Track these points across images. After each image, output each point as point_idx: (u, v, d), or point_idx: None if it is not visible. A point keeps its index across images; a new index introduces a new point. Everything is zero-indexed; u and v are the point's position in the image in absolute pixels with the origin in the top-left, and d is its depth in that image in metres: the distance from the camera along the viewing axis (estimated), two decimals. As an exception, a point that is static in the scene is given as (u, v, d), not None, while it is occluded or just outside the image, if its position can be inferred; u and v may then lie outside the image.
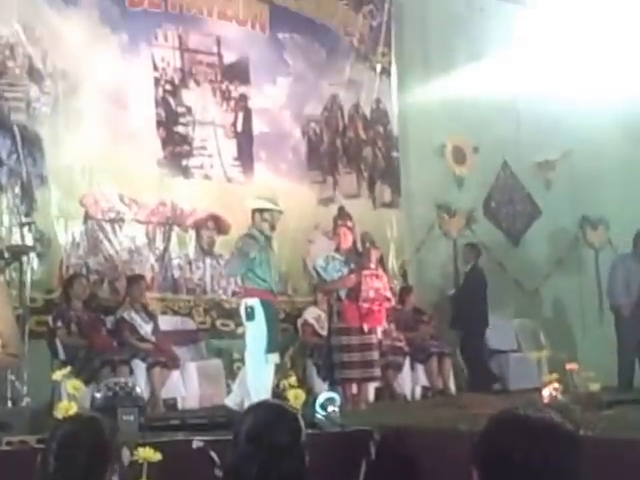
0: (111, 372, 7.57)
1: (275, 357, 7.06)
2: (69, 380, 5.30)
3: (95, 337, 8.04)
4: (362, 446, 5.18)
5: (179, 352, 8.54)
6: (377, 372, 8.07)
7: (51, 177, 8.57)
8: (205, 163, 9.67)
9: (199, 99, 9.73)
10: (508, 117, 11.42)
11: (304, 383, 7.85)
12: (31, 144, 8.50)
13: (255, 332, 6.98)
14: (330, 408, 5.72)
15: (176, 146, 9.51)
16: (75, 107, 8.81)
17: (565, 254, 12.15)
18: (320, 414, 5.66)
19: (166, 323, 8.85)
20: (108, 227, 8.95)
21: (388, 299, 8.15)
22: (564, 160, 12.00)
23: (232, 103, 9.98)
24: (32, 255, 7.91)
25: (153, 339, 8.33)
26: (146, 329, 8.36)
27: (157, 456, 3.87)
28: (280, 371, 7.16)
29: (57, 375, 5.47)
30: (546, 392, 6.15)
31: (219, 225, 9.54)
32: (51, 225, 8.55)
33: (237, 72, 10.04)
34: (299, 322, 9.36)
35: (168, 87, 9.55)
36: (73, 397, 5.09)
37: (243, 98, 10.03)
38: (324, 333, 8.69)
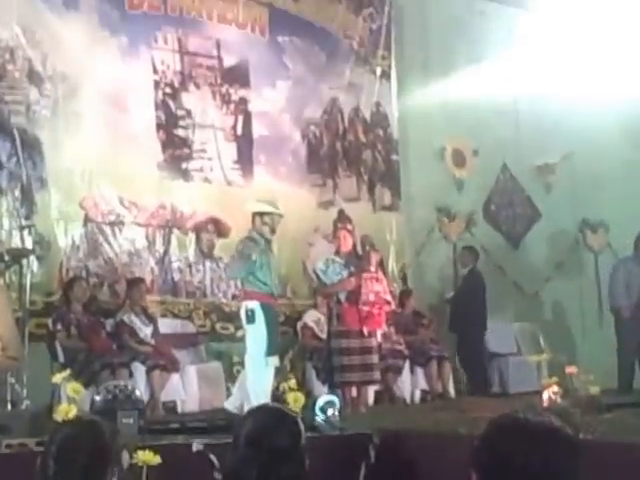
0: (111, 375, 7.55)
1: (275, 360, 7.04)
2: (69, 383, 5.30)
3: (95, 340, 8.04)
4: (362, 449, 5.17)
5: (179, 355, 8.54)
6: (377, 375, 8.05)
7: (51, 180, 8.57)
8: (205, 166, 9.67)
9: (199, 102, 9.73)
10: (508, 120, 11.43)
11: (304, 386, 7.86)
12: (31, 147, 8.50)
13: (255, 335, 6.97)
14: (330, 411, 5.71)
15: (176, 149, 9.51)
16: (75, 110, 8.81)
17: (565, 257, 12.15)
18: (320, 417, 5.66)
19: (166, 326, 8.84)
20: (108, 230, 8.94)
21: (388, 302, 8.14)
22: (564, 163, 12.00)
23: (232, 106, 9.97)
24: (32, 258, 7.93)
25: (153, 342, 8.32)
26: (146, 332, 8.36)
27: (157, 459, 3.86)
28: (280, 374, 7.15)
29: (57, 378, 5.48)
30: (546, 395, 6.16)
31: (219, 228, 9.53)
32: (51, 228, 8.55)
33: (237, 75, 10.04)
34: (299, 325, 9.36)
35: (168, 90, 9.55)
36: (73, 400, 5.08)
37: (243, 101, 10.04)
38: (324, 336, 8.67)
